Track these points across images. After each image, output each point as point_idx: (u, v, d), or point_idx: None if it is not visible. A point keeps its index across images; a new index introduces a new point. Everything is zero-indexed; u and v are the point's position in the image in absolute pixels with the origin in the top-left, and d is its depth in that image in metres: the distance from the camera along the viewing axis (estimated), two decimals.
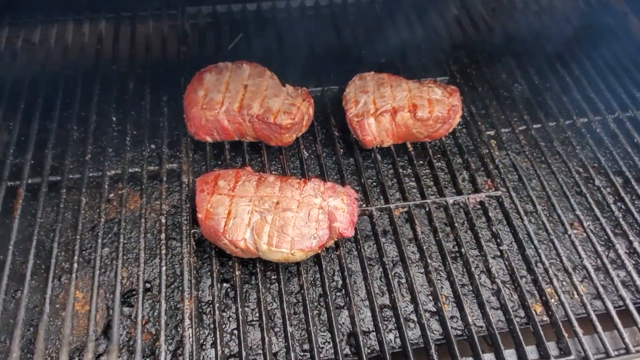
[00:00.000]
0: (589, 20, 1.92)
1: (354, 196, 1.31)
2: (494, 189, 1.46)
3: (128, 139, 1.49)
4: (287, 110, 1.43)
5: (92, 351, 1.14)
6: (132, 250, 1.40)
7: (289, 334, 1.19)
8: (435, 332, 1.29)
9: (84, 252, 1.38)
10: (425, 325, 1.21)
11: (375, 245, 1.38)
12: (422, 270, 1.35)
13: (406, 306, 1.34)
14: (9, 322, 1.25)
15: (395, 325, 1.30)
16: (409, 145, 1.53)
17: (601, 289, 1.28)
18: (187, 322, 1.18)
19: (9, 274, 1.24)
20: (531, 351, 1.20)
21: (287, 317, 1.22)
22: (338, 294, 1.37)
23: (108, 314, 1.30)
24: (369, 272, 1.29)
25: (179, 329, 1.28)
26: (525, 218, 1.39)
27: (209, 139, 1.49)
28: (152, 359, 1.24)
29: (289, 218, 1.23)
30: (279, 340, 1.29)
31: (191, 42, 1.77)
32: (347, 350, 1.27)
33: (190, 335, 1.17)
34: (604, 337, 1.20)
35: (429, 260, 1.31)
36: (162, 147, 1.48)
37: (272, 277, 1.37)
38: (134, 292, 1.34)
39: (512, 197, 1.43)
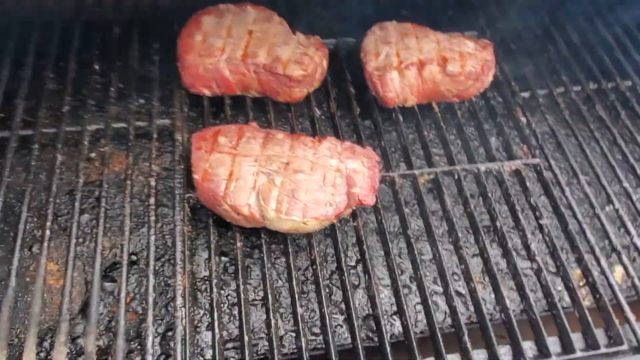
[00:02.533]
0: None
1: (376, 159, 1.13)
2: (531, 156, 1.29)
3: (112, 90, 1.29)
4: (299, 59, 1.24)
5: (65, 332, 0.95)
6: (115, 217, 1.21)
7: (298, 316, 1.02)
8: (463, 316, 1.13)
9: (59, 219, 1.20)
10: (457, 308, 1.05)
11: (397, 217, 1.20)
12: (451, 248, 1.18)
13: (430, 286, 1.18)
14: None
15: (419, 307, 1.14)
16: (434, 106, 1.35)
17: None
18: (179, 300, 1.00)
19: None
20: (577, 339, 1.05)
21: (296, 296, 1.04)
22: (352, 271, 1.21)
23: (86, 289, 1.12)
24: (391, 247, 1.12)
25: (169, 308, 1.10)
26: (566, 189, 1.22)
27: (207, 92, 1.29)
28: (137, 342, 1.06)
29: (301, 181, 1.05)
30: (285, 322, 1.13)
31: None
32: (362, 335, 1.11)
33: (183, 316, 0.99)
34: None
35: (459, 234, 1.14)
36: (152, 101, 1.28)
37: (278, 250, 1.20)
38: (117, 266, 1.16)
39: (551, 166, 1.26)
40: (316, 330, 1.14)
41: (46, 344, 1.04)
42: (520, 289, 1.10)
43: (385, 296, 1.17)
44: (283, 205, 1.02)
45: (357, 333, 1.01)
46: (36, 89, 1.30)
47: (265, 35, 1.27)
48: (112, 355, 0.98)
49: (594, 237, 1.17)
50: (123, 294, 1.01)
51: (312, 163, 1.07)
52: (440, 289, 1.15)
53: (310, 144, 1.10)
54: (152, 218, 1.10)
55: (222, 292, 1.14)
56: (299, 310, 1.03)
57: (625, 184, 1.25)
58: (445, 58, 1.26)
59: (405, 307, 1.04)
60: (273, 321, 1.01)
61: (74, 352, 1.03)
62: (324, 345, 1.04)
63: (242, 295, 1.03)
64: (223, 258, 1.17)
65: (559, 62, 1.48)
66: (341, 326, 1.14)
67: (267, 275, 1.06)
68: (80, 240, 1.17)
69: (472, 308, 1.12)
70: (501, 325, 1.08)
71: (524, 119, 1.35)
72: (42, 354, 1.02)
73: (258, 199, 1.03)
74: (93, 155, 1.27)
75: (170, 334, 1.07)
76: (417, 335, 1.09)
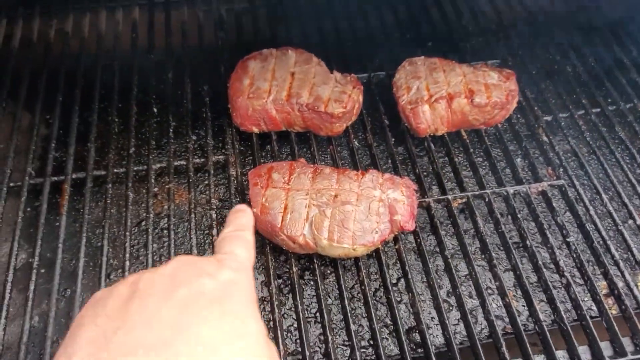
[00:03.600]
0: None
1: (413, 187, 1.25)
2: (555, 178, 1.39)
3: (171, 130, 1.44)
4: (338, 98, 1.36)
5: None
6: (180, 245, 1.36)
7: (352, 332, 1.14)
8: (499, 327, 1.24)
9: (132, 249, 1.34)
10: (493, 321, 1.16)
11: (434, 238, 1.32)
12: (485, 264, 1.29)
13: (469, 301, 1.29)
14: (60, 322, 1.22)
15: (458, 320, 1.26)
16: (463, 133, 1.46)
17: None
18: None
19: (59, 273, 1.20)
20: (605, 347, 1.15)
21: (348, 314, 1.17)
22: (394, 288, 1.32)
23: None
24: (430, 266, 1.23)
25: None
26: (590, 208, 1.32)
27: (255, 130, 1.43)
28: None
29: (349, 212, 1.17)
30: (336, 337, 1.25)
31: (228, 27, 1.71)
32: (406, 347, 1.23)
33: None
34: None
35: (492, 252, 1.25)
36: (207, 138, 1.43)
37: (327, 272, 1.33)
38: None
39: (575, 186, 1.37)
40: (364, 343, 1.26)
41: None
42: (551, 301, 1.21)
43: (425, 311, 1.28)
44: (334, 235, 1.15)
45: (404, 345, 1.13)
46: (103, 131, 1.46)
47: (306, 76, 1.40)
48: None
49: (618, 252, 1.27)
50: None
51: (358, 195, 1.20)
52: (477, 302, 1.26)
53: (355, 177, 1.22)
54: None
55: (280, 310, 1.27)
56: (352, 327, 1.15)
57: None
58: (472, 90, 1.38)
59: (446, 320, 1.16)
60: (330, 337, 1.14)
61: None
62: (374, 357, 1.16)
63: (301, 314, 1.16)
64: (278, 280, 1.30)
65: (578, 86, 1.58)
66: (387, 339, 1.26)
67: (321, 295, 1.19)
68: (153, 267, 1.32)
69: (507, 319, 1.24)
70: (534, 335, 1.19)
71: (547, 141, 1.46)
72: None
73: (312, 229, 1.16)
74: (156, 190, 1.42)
75: None
76: (458, 346, 1.21)
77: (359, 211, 1.18)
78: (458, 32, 1.70)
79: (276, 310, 1.16)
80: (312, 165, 1.26)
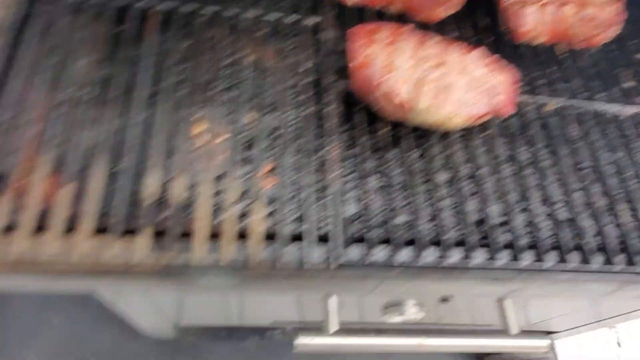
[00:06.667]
0: None
1: (517, 76, 1.22)
2: None
3: None
4: None
5: None
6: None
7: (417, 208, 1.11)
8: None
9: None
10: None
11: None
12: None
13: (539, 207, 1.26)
14: None
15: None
16: (561, 47, 1.42)
17: None
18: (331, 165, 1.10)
19: None
20: None
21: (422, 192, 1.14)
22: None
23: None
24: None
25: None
26: None
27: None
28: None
29: (452, 81, 1.13)
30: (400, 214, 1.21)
31: None
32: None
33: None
34: None
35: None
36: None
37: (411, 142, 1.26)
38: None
39: None
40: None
41: None
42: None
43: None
44: (433, 99, 1.11)
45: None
46: None
47: None
48: None
49: None
50: None
51: (463, 67, 1.16)
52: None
53: (463, 50, 1.18)
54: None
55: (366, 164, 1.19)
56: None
57: None
58: (584, 2, 1.33)
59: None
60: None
61: None
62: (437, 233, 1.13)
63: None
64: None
65: None
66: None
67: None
68: None
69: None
70: None
71: None
72: None
73: (412, 90, 1.12)
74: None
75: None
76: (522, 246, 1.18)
77: (462, 82, 1.14)
78: None
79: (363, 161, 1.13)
80: (420, 31, 1.21)
